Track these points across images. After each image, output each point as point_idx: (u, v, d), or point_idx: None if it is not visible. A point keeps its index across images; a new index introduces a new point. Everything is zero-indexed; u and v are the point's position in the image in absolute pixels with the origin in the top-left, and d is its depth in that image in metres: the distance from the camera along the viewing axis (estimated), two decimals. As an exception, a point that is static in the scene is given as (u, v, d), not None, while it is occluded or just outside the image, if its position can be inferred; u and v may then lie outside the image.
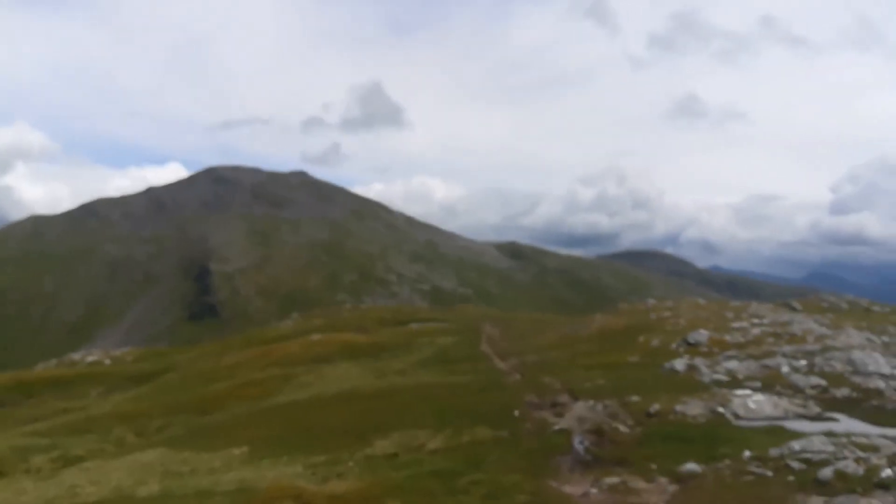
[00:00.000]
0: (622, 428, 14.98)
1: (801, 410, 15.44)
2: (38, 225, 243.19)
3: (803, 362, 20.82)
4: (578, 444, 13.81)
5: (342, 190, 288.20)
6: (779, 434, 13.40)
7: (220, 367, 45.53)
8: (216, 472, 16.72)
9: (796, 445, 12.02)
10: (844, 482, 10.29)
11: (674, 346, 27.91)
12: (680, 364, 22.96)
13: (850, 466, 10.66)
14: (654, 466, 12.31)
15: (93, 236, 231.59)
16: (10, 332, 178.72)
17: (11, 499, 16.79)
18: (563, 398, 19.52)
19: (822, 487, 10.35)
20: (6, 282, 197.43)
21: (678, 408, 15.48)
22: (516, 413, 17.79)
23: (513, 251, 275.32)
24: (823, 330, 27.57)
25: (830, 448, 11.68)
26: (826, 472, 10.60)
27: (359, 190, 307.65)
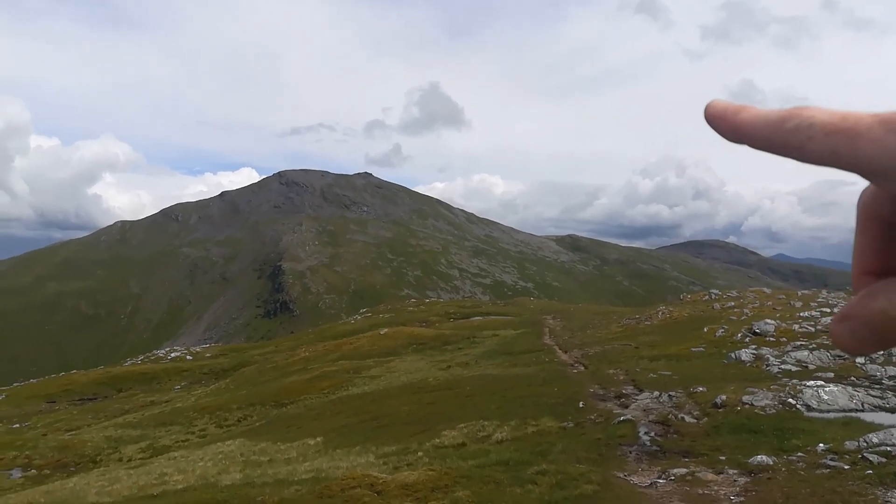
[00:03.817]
0: (688, 419, 14.79)
1: (878, 402, 14.80)
2: (124, 230, 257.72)
3: (880, 352, 19.87)
4: (644, 434, 13.76)
5: (405, 189, 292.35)
6: (855, 426, 12.94)
7: (294, 361, 47.10)
8: (292, 461, 17.46)
9: (874, 438, 11.60)
10: (926, 475, 9.92)
11: (739, 336, 27.12)
12: (746, 354, 22.32)
13: (932, 459, 10.26)
14: (722, 458, 12.14)
15: (173, 240, 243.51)
16: (100, 331, 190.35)
17: (107, 486, 17.77)
18: (628, 389, 19.37)
19: (903, 481, 10.01)
20: (96, 284, 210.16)
21: (746, 398, 15.13)
22: (581, 404, 17.80)
23: (573, 244, 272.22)
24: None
25: (912, 440, 11.25)
26: (907, 466, 10.23)
27: (420, 189, 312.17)
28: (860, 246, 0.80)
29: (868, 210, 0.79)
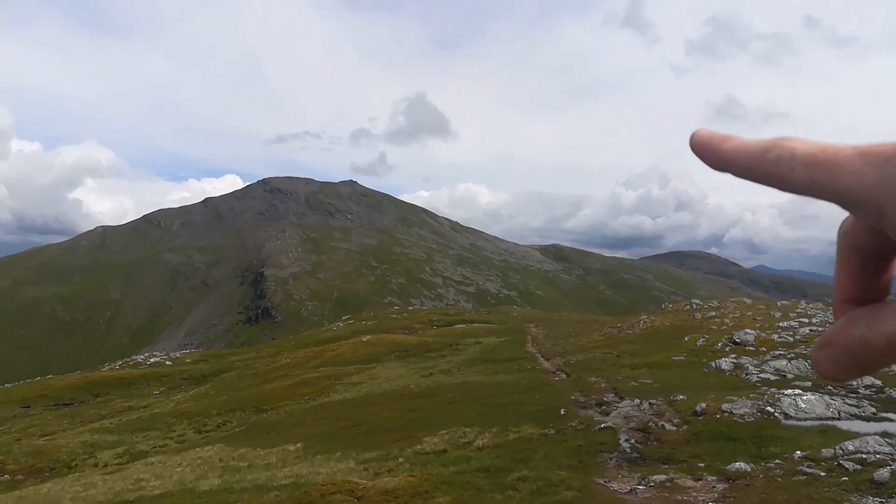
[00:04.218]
0: (668, 426, 14.89)
1: (854, 410, 15.01)
2: (104, 235, 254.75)
3: (859, 378, 20.17)
4: (625, 441, 13.83)
5: (389, 198, 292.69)
6: (831, 434, 13.10)
7: (275, 368, 46.75)
8: (272, 467, 17.30)
9: (850, 446, 11.76)
10: (901, 483, 10.06)
11: (720, 345, 27.43)
12: (726, 363, 22.57)
13: (906, 466, 10.41)
14: (701, 465, 12.23)
15: (155, 245, 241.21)
16: (78, 335, 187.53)
17: (81, 492, 17.52)
18: (609, 397, 19.46)
19: (878, 488, 10.11)
20: (75, 289, 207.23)
21: (725, 407, 15.27)
22: (562, 411, 17.84)
23: (556, 254, 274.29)
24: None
25: (887, 448, 11.39)
26: (883, 473, 10.35)
27: (405, 197, 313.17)
28: (840, 274, 0.82)
29: (847, 240, 0.82)
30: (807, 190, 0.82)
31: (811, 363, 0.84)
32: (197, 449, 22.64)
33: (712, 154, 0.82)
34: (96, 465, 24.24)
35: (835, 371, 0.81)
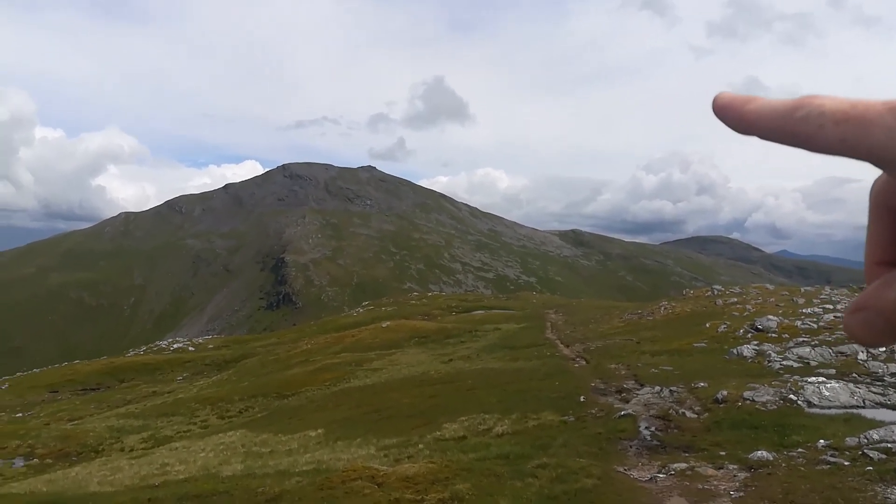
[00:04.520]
0: (689, 414, 14.79)
1: (880, 399, 14.76)
2: (128, 222, 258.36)
3: (881, 349, 19.86)
4: (645, 429, 13.77)
5: (408, 183, 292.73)
6: (856, 423, 12.91)
7: (296, 353, 47.22)
8: (293, 452, 17.52)
9: (875, 435, 11.59)
10: (927, 472, 9.91)
11: (741, 332, 27.09)
12: (748, 350, 22.29)
13: (933, 456, 10.24)
14: (722, 453, 12.15)
15: (177, 231, 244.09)
16: (103, 321, 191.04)
17: (109, 476, 17.86)
18: (629, 384, 19.37)
19: (903, 478, 9.99)
20: (100, 275, 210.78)
21: (747, 394, 15.11)
22: (582, 398, 17.81)
23: (576, 239, 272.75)
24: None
25: (913, 437, 11.23)
26: (907, 462, 10.22)
27: (424, 183, 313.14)
28: (873, 235, 0.79)
29: (880, 199, 0.78)
30: (837, 149, 0.79)
31: (844, 329, 0.80)
32: (220, 434, 22.99)
33: (736, 116, 0.79)
34: (122, 449, 24.73)
35: (869, 336, 0.78)
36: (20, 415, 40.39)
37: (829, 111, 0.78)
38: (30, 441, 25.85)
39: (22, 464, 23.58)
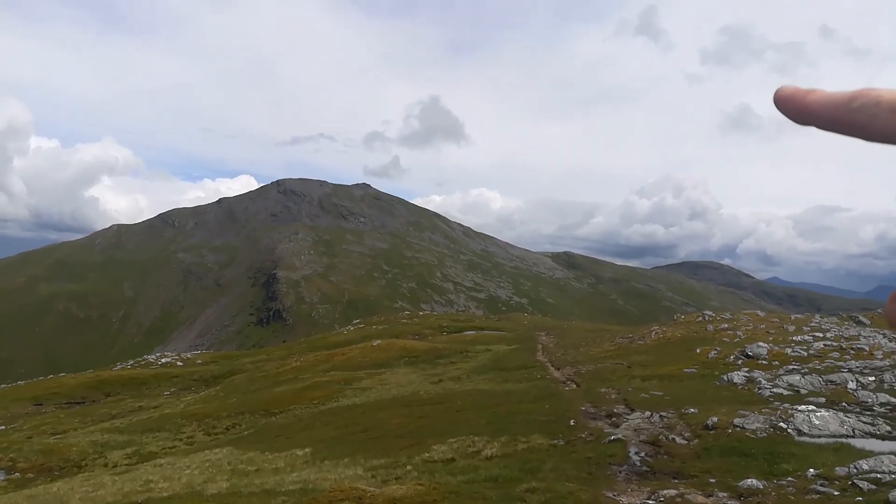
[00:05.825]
0: (679, 440, 14.74)
1: (869, 428, 14.78)
2: (119, 233, 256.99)
3: (871, 378, 19.90)
4: (634, 454, 13.71)
5: (402, 201, 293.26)
6: (845, 452, 12.91)
7: (285, 371, 46.85)
8: (280, 471, 17.32)
9: (865, 464, 11.58)
10: (915, 504, 9.88)
11: (732, 358, 27.15)
12: (738, 377, 22.31)
13: (922, 487, 10.23)
14: (712, 480, 12.09)
15: (169, 245, 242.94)
16: (90, 334, 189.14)
17: (91, 492, 17.60)
18: (619, 408, 19.31)
19: (891, 508, 9.96)
20: (90, 287, 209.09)
21: (737, 421, 15.09)
22: (572, 422, 17.72)
23: (568, 261, 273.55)
24: (894, 345, 26.25)
25: (902, 468, 11.21)
26: (897, 493, 10.19)
27: (418, 201, 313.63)
28: None
29: None
30: (892, 137, 0.83)
31: (884, 316, 0.84)
32: (206, 451, 22.69)
33: (797, 107, 0.83)
34: (106, 465, 24.36)
35: None
36: (2, 427, 39.76)
37: (885, 101, 0.84)
38: (11, 455, 25.43)
39: (3, 478, 23.19)
